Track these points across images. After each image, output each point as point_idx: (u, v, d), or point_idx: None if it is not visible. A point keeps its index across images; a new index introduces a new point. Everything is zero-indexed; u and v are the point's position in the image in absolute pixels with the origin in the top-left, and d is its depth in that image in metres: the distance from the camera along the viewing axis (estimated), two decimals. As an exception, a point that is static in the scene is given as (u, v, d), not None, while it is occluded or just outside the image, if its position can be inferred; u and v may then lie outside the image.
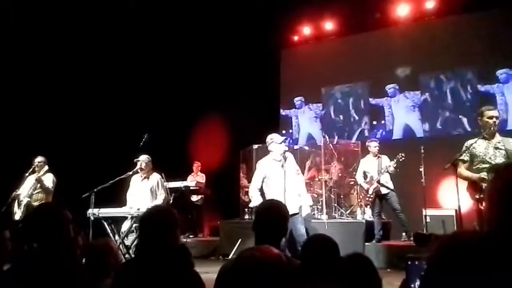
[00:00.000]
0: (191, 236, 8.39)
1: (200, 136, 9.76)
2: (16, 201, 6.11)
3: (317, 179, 7.80)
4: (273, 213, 2.49)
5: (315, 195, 7.40)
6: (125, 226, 5.44)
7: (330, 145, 8.23)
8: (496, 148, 4.17)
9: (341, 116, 9.78)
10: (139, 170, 5.81)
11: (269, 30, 9.34)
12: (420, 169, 6.52)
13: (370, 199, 6.80)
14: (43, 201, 6.11)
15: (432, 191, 7.32)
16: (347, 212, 7.59)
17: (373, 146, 6.90)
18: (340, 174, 7.90)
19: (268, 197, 4.92)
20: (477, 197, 4.01)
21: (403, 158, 6.57)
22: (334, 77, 9.74)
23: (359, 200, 7.70)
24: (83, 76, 8.38)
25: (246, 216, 8.21)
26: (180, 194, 7.65)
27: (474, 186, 4.11)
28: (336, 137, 9.30)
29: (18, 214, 6.09)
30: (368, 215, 7.43)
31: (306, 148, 8.70)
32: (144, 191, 5.79)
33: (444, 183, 7.00)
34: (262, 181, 4.98)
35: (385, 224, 7.16)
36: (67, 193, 5.91)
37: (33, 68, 7.86)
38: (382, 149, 7.01)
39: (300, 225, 4.88)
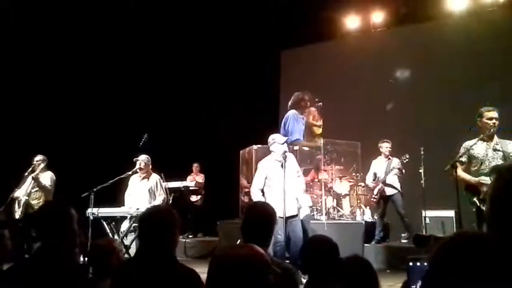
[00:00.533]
0: (190, 236, 8.39)
1: (200, 136, 9.75)
2: (16, 200, 6.11)
3: (316, 179, 7.79)
4: (260, 215, 2.50)
5: (315, 196, 7.40)
6: (124, 225, 5.45)
7: (329, 145, 8.23)
8: (495, 150, 4.16)
9: (340, 117, 9.78)
10: (138, 170, 5.80)
11: (269, 31, 9.34)
12: (420, 170, 6.52)
13: (375, 200, 6.76)
14: (41, 200, 6.12)
15: (431, 192, 7.32)
16: (347, 213, 7.59)
17: (385, 147, 6.78)
18: (339, 175, 7.89)
19: (268, 197, 4.92)
20: (475, 199, 4.01)
21: (407, 160, 6.54)
22: (335, 78, 9.75)
23: (359, 201, 7.69)
24: (83, 76, 8.39)
25: (246, 217, 8.18)
26: (180, 194, 7.66)
27: (472, 188, 4.11)
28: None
29: (17, 213, 6.09)
30: (368, 216, 7.43)
31: (306, 148, 8.69)
32: (142, 192, 5.77)
33: (443, 184, 6.99)
34: (264, 182, 4.98)
35: (385, 225, 7.15)
36: (66, 192, 5.90)
37: (33, 68, 7.87)
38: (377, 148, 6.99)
39: (298, 227, 4.89)
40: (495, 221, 1.05)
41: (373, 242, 6.58)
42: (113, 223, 5.46)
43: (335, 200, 7.64)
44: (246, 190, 8.03)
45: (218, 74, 9.51)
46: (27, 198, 6.09)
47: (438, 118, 8.12)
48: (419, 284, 1.59)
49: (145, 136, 6.39)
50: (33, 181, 6.14)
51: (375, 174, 6.75)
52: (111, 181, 5.47)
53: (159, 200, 5.76)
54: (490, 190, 1.12)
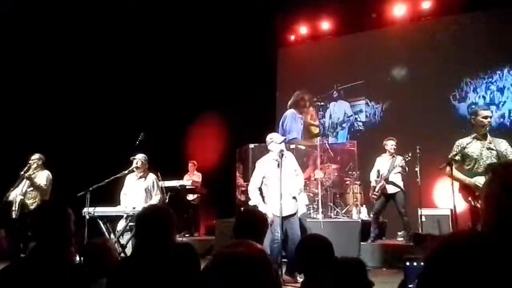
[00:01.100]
0: (187, 235, 8.38)
1: (196, 135, 9.75)
2: (14, 199, 6.07)
3: (313, 178, 7.80)
4: (250, 218, 2.52)
5: (311, 195, 7.41)
6: (121, 225, 5.42)
7: (326, 144, 8.24)
8: (489, 148, 4.18)
9: (339, 115, 9.81)
10: (134, 169, 5.77)
11: (265, 30, 9.35)
12: (416, 169, 6.53)
13: (375, 196, 6.74)
14: (37, 199, 6.08)
15: (427, 191, 7.35)
16: (343, 212, 7.60)
17: (390, 144, 6.72)
18: (336, 174, 7.91)
19: (265, 197, 4.93)
20: (470, 199, 4.03)
21: (408, 158, 6.53)
22: (331, 77, 9.77)
23: (355, 199, 7.71)
24: (80, 75, 8.35)
25: (242, 215, 8.18)
26: (176, 193, 7.64)
27: (467, 188, 4.12)
28: (332, 137, 9.34)
29: (14, 212, 6.05)
30: (364, 214, 7.44)
31: (303, 147, 8.71)
32: (139, 191, 5.75)
33: (439, 183, 7.03)
34: (262, 181, 4.98)
35: (381, 224, 7.17)
36: (62, 191, 5.88)
37: (29, 67, 7.82)
38: (374, 147, 7.00)
39: (295, 226, 4.90)
40: (491, 219, 1.05)
41: (369, 240, 6.59)
42: (109, 223, 5.44)
43: (331, 199, 7.65)
44: (243, 188, 8.03)
45: (215, 72, 9.50)
46: (22, 197, 6.04)
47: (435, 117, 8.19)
48: (415, 283, 1.59)
49: (142, 134, 6.37)
50: (28, 181, 6.10)
51: (378, 172, 6.73)
52: (107, 180, 5.45)
53: (155, 199, 5.73)
54: (485, 188, 1.12)
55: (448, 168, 4.18)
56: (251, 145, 8.19)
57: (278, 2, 8.76)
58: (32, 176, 6.13)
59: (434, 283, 0.96)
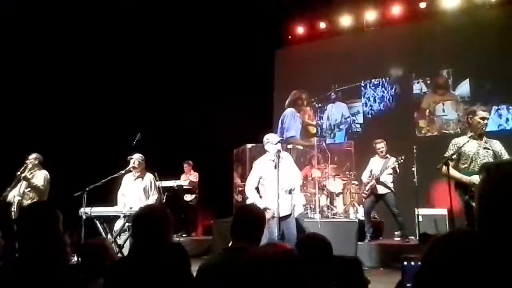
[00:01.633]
0: (184, 235, 8.37)
1: (194, 135, 9.73)
2: (12, 200, 6.03)
3: (310, 178, 7.81)
4: (248, 214, 2.51)
5: (308, 194, 7.42)
6: (118, 225, 5.42)
7: (323, 144, 8.25)
8: (485, 148, 4.20)
9: (336, 116, 9.82)
10: (131, 169, 5.76)
11: (263, 30, 9.34)
12: (413, 169, 6.55)
13: (364, 195, 6.80)
14: (35, 200, 6.04)
15: (424, 191, 7.37)
16: (340, 211, 7.61)
17: (379, 147, 6.81)
18: (333, 173, 7.92)
19: (263, 197, 4.93)
20: (466, 197, 4.04)
21: (402, 161, 6.57)
22: (328, 77, 9.77)
23: (352, 199, 7.72)
24: (77, 75, 8.33)
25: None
26: (173, 193, 7.63)
27: (463, 187, 4.13)
28: (330, 139, 9.35)
29: (13, 213, 6.01)
30: (361, 214, 7.46)
31: (300, 147, 8.72)
32: (136, 191, 5.74)
33: (436, 183, 7.05)
34: (258, 181, 4.98)
35: (378, 224, 7.19)
36: (59, 191, 5.86)
37: (27, 67, 7.80)
38: (369, 147, 7.03)
39: (292, 226, 4.89)
40: (485, 219, 1.06)
41: (366, 240, 6.61)
42: (106, 223, 5.42)
43: (328, 199, 7.66)
44: (240, 188, 8.03)
45: (212, 73, 9.49)
46: (20, 198, 5.99)
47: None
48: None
49: (139, 134, 6.35)
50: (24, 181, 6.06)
51: (371, 172, 6.80)
52: (104, 180, 5.43)
53: (152, 200, 5.72)
54: (479, 187, 1.12)
55: (445, 168, 4.18)
56: (249, 146, 8.20)
57: (277, 2, 8.76)
58: (29, 176, 6.07)
59: (430, 282, 0.97)
